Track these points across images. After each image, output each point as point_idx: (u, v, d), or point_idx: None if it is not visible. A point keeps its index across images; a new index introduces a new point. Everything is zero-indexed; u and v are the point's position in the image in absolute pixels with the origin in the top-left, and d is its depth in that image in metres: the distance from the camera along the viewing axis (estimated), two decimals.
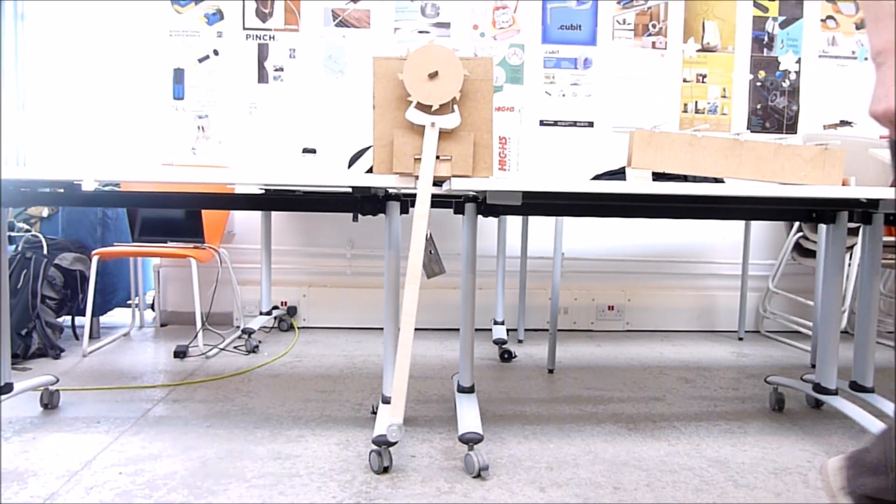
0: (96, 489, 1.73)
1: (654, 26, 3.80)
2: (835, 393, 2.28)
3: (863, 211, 2.24)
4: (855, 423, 2.14)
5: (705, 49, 3.84)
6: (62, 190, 2.20)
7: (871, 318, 2.29)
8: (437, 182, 1.99)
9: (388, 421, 1.75)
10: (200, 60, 3.70)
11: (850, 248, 3.22)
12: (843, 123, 3.93)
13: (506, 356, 3.14)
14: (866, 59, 3.91)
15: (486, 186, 1.85)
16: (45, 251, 3.14)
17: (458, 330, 3.74)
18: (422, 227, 1.79)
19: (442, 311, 3.77)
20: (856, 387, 2.33)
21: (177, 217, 3.44)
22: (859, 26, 3.90)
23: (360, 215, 2.10)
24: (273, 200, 2.26)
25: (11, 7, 3.88)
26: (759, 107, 3.89)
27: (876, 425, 2.01)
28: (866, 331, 2.30)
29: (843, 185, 2.07)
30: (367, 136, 3.64)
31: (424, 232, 1.79)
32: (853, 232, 3.15)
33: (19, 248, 3.13)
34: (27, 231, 3.27)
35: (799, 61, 3.88)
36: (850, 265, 3.21)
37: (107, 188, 3.15)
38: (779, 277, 3.75)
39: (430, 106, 1.87)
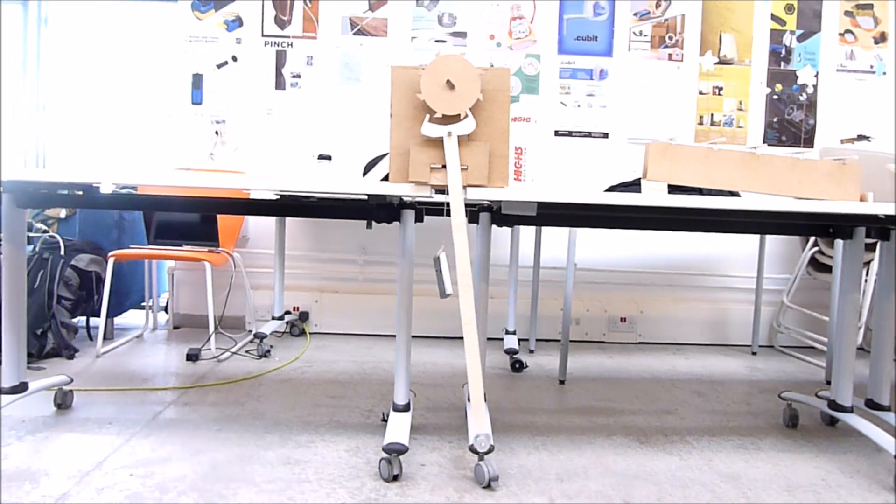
0: (107, 490, 1.74)
1: (670, 38, 3.79)
2: (850, 410, 2.25)
3: (880, 227, 2.22)
4: (871, 441, 2.11)
5: (722, 62, 3.83)
6: (80, 192, 2.23)
7: (887, 335, 2.27)
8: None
9: (405, 429, 1.75)
10: (219, 66, 3.73)
11: (867, 263, 3.19)
12: (861, 138, 3.90)
13: (517, 366, 3.13)
14: (885, 73, 3.88)
15: (501, 196, 1.86)
16: (61, 252, 3.17)
17: None
18: (462, 237, 1.81)
19: (453, 319, 3.77)
20: (872, 405, 2.30)
21: (192, 221, 3.46)
22: (878, 40, 3.88)
23: (374, 223, 2.10)
24: (288, 206, 2.27)
25: (35, 11, 3.94)
26: (775, 120, 3.87)
27: (892, 444, 1.98)
28: (883, 348, 2.28)
29: (861, 200, 2.06)
30: (382, 144, 3.65)
31: (466, 241, 1.80)
32: (870, 248, 3.12)
33: (37, 249, 3.16)
34: (45, 232, 3.30)
35: (816, 75, 3.86)
36: (866, 281, 3.18)
37: (124, 191, 3.17)
38: (793, 292, 3.72)
39: (446, 115, 1.88)
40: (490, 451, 1.84)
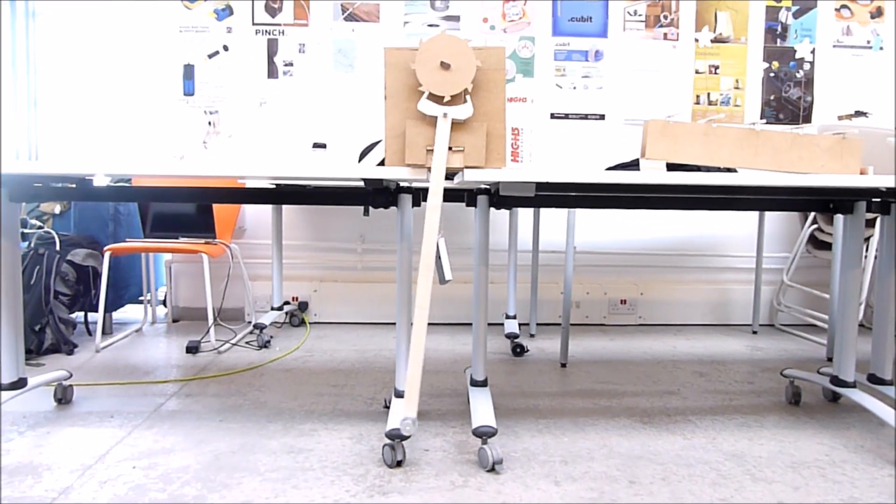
0: (110, 483, 1.73)
1: (665, 17, 3.76)
2: (853, 385, 2.25)
3: (881, 201, 2.21)
4: (874, 415, 2.11)
5: (718, 40, 3.80)
6: (74, 185, 2.20)
7: (889, 310, 2.26)
8: (450, 174, 1.97)
9: (401, 415, 1.74)
10: (210, 56, 3.70)
11: (867, 239, 3.18)
12: (859, 114, 3.88)
13: (518, 350, 3.12)
14: (881, 48, 3.86)
15: (499, 177, 1.83)
16: (57, 247, 3.15)
17: (469, 325, 3.73)
18: (434, 219, 1.77)
19: (453, 305, 3.76)
20: (874, 379, 2.30)
21: (188, 212, 3.44)
22: (874, 15, 3.85)
23: (371, 209, 2.08)
24: (284, 194, 2.25)
25: (23, 4, 3.90)
26: (772, 98, 3.85)
27: (894, 417, 1.98)
28: (884, 322, 2.27)
29: (862, 174, 2.04)
30: (377, 131, 3.64)
31: (437, 224, 1.78)
32: (869, 223, 3.11)
33: (32, 245, 3.14)
34: (40, 227, 3.28)
35: (813, 51, 3.84)
36: (866, 257, 3.17)
37: (118, 183, 3.15)
38: (793, 270, 3.71)
39: (443, 96, 1.86)
40: (408, 437, 1.84)
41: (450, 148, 1.84)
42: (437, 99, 1.86)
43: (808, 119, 3.86)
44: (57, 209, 3.40)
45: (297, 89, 3.73)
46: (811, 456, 1.97)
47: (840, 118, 3.88)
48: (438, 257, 2.06)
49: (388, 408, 2.29)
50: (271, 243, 3.63)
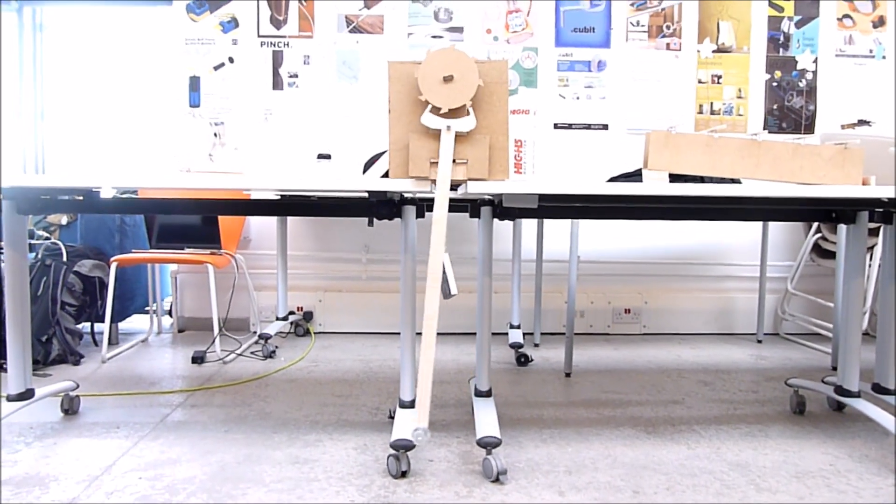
0: (116, 494, 1.74)
1: (668, 27, 3.78)
2: (857, 395, 2.24)
3: (883, 210, 2.21)
4: (878, 425, 2.11)
5: (720, 50, 3.82)
6: (81, 197, 2.22)
7: (892, 319, 2.26)
8: (453, 186, 1.98)
9: (413, 425, 1.74)
10: (216, 68, 3.73)
11: (871, 248, 3.18)
12: (861, 123, 3.89)
13: (522, 360, 3.13)
14: (884, 57, 3.86)
15: (502, 189, 1.85)
16: (64, 258, 3.17)
17: (473, 334, 3.73)
18: (440, 231, 1.79)
19: (458, 315, 3.77)
20: (879, 389, 2.30)
21: (193, 223, 3.46)
22: (876, 24, 3.86)
23: (375, 220, 2.10)
24: (289, 206, 2.26)
25: (30, 17, 3.94)
26: (775, 107, 3.86)
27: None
28: (888, 332, 2.27)
29: (864, 184, 2.05)
30: (381, 142, 3.66)
31: (443, 236, 1.79)
32: (873, 232, 3.11)
33: (39, 256, 3.17)
34: (47, 239, 3.31)
35: (815, 60, 3.85)
36: (870, 265, 3.17)
37: (125, 195, 3.17)
38: (797, 279, 3.71)
39: (446, 109, 1.87)
40: (413, 447, 1.83)
41: (453, 160, 1.86)
42: (440, 112, 1.88)
43: (811, 128, 3.87)
44: (63, 220, 3.43)
45: (302, 101, 3.76)
46: (815, 466, 1.97)
47: (843, 127, 3.88)
48: (442, 272, 2.08)
49: (392, 418, 2.29)
50: (276, 254, 3.64)
